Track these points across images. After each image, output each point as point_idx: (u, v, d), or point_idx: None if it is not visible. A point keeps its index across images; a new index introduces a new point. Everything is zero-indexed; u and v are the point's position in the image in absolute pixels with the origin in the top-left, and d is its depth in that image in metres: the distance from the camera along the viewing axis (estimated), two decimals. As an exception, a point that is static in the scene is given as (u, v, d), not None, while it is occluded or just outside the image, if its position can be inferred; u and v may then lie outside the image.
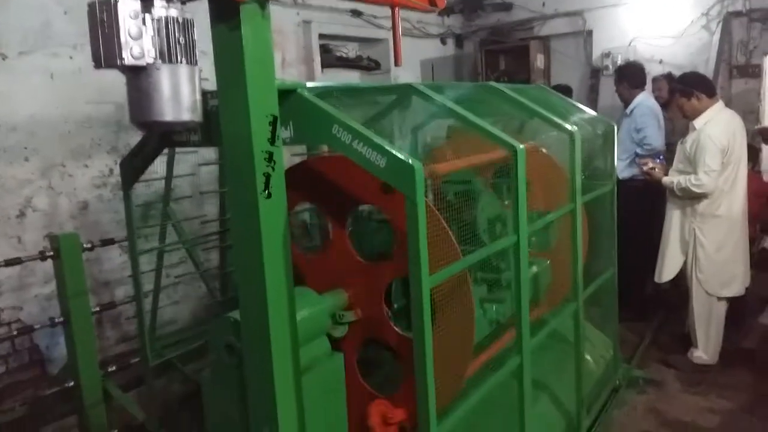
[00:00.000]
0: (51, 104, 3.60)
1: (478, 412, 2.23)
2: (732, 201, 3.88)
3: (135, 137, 3.81)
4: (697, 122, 3.89)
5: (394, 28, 2.04)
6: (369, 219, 2.76)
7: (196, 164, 3.91)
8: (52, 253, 2.80)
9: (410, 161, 1.74)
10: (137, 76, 1.51)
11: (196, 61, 1.55)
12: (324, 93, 2.07)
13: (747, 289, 4.09)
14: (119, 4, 1.43)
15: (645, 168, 4.17)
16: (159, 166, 3.73)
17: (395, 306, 2.40)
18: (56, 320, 2.88)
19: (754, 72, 6.05)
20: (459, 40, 7.68)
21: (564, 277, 3.11)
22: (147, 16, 1.48)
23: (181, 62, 1.51)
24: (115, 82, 3.79)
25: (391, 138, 3.01)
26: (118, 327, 3.99)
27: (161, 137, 2.18)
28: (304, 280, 2.45)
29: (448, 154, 2.82)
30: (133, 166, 2.35)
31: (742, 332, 4.32)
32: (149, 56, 1.49)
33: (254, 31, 1.64)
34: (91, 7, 1.46)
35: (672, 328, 4.62)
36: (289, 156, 3.61)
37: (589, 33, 6.78)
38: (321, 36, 5.63)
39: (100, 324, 3.84)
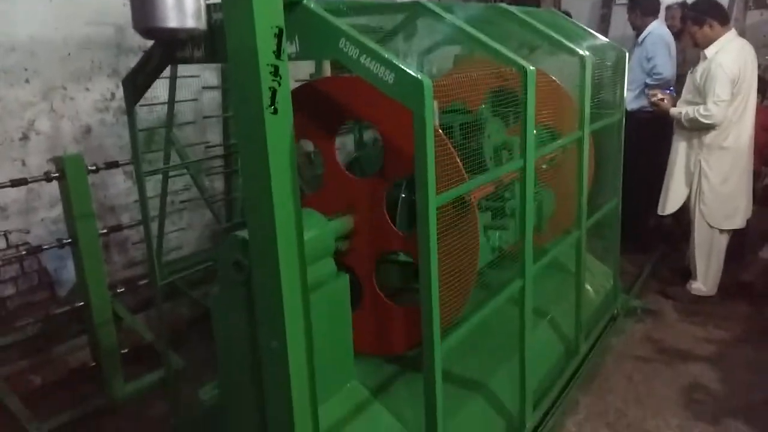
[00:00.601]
0: (50, 24, 3.51)
1: (479, 333, 2.28)
2: (740, 132, 3.84)
3: (136, 60, 3.74)
4: (708, 51, 3.81)
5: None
6: (372, 143, 2.75)
7: (198, 89, 3.86)
8: (57, 175, 2.80)
9: (419, 76, 1.70)
10: (140, -20, 1.46)
11: (200, -34, 1.49)
12: (331, 10, 2.01)
13: (748, 221, 4.10)
14: None
15: (653, 99, 4.10)
16: (161, 90, 3.69)
17: (400, 216, 2.42)
18: (64, 241, 2.91)
19: (770, 3, 5.88)
20: (467, -34, 7.40)
21: (567, 207, 3.12)
22: None
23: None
24: (113, 1, 3.74)
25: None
26: (125, 253, 4.04)
27: (164, 52, 2.13)
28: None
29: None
30: (136, 84, 2.31)
31: (742, 266, 4.36)
32: (151, -40, 1.44)
33: (259, -64, 1.57)
34: None
35: (672, 261, 4.67)
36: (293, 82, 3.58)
37: (603, -41, 6.55)
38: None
39: (107, 249, 3.88)
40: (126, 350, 3.25)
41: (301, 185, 3.36)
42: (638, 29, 4.78)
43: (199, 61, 2.09)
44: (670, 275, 4.46)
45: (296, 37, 1.87)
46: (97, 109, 3.82)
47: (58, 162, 2.82)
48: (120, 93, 3.82)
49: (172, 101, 3.65)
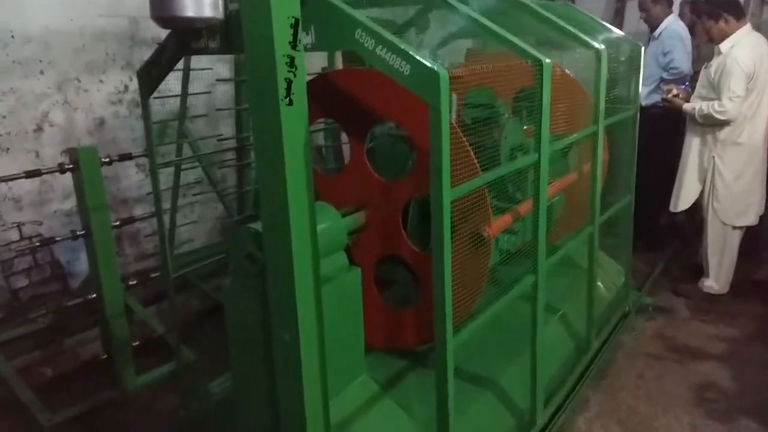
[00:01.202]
0: (64, 16, 3.52)
1: (490, 329, 2.27)
2: (754, 128, 3.81)
3: (150, 53, 3.75)
4: (723, 46, 3.77)
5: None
6: (388, 136, 2.74)
7: (211, 82, 3.86)
8: (71, 166, 2.81)
9: (435, 67, 1.69)
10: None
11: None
12: (346, 1, 2.00)
13: (761, 218, 4.06)
14: None
15: (669, 95, 4.06)
16: (174, 84, 3.70)
17: (411, 225, 2.42)
18: (78, 233, 2.92)
19: (788, -3, 5.79)
20: (480, -40, 7.36)
21: (580, 205, 3.10)
22: None
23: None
24: (127, -6, 3.74)
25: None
26: (137, 245, 4.06)
27: (179, 43, 2.13)
28: (323, 199, 2.48)
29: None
30: (151, 75, 2.31)
31: (755, 264, 4.33)
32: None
33: (276, -73, 1.56)
34: None
35: (684, 258, 4.63)
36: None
37: (617, -47, 6.48)
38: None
39: (120, 241, 3.90)
40: (137, 343, 3.26)
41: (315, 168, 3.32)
42: (653, 24, 4.74)
43: (214, 52, 2.08)
44: (682, 273, 4.43)
45: (312, 28, 1.86)
46: (111, 102, 3.83)
47: (72, 154, 2.82)
48: (133, 85, 3.83)
49: (184, 94, 3.66)
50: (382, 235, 2.41)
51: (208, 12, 1.46)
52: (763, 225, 4.20)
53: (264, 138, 1.72)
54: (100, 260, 2.92)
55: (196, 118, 3.98)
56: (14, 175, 2.75)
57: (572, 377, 3.03)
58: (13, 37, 3.32)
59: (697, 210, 4.16)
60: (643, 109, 4.15)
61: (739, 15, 3.81)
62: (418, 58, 1.71)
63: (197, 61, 3.63)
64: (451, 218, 1.86)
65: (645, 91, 4.55)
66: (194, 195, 3.95)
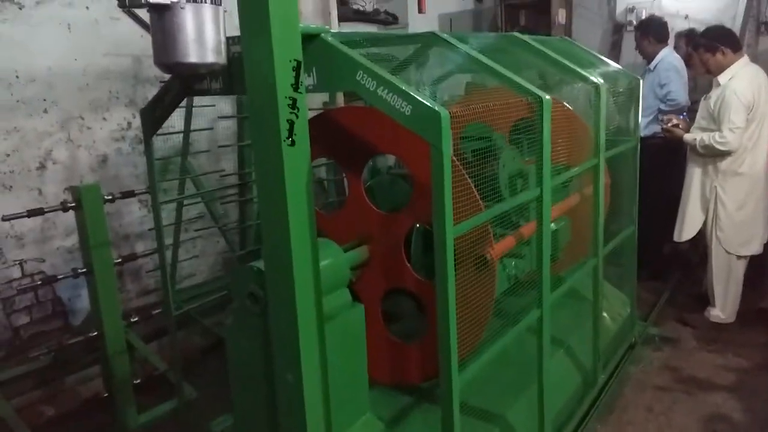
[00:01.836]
0: (68, 56, 3.57)
1: (496, 363, 2.25)
2: (755, 158, 3.82)
3: (152, 90, 3.80)
4: (722, 78, 3.80)
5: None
6: (386, 172, 2.76)
7: (213, 118, 3.89)
8: (74, 204, 2.82)
9: (437, 108, 1.70)
10: (162, 15, 1.48)
11: (220, 1, 1.51)
12: (348, 42, 2.03)
13: (766, 246, 4.05)
14: (142, -57, 1.40)
15: (668, 125, 4.09)
16: (176, 120, 3.73)
17: (415, 255, 2.41)
18: (79, 271, 2.92)
19: (782, 27, 5.87)
20: (478, -6, 7.50)
21: (584, 235, 3.09)
22: (170, -46, 1.44)
23: (205, 2, 1.47)
24: (132, 33, 3.82)
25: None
26: (139, 281, 4.04)
27: (182, 85, 2.16)
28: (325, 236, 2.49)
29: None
30: (155, 115, 2.34)
31: (760, 292, 4.30)
32: (173, -4, 1.46)
33: (278, -27, 1.59)
34: (114, -54, 1.43)
35: (689, 288, 4.60)
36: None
37: (613, -13, 6.59)
38: (338, -12, 5.52)
39: (121, 277, 3.88)
40: (139, 380, 3.23)
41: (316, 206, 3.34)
42: (649, 57, 4.81)
43: (216, 93, 2.11)
44: (687, 302, 4.40)
45: (314, 70, 1.89)
46: (114, 139, 3.86)
47: (75, 192, 2.83)
48: (136, 122, 3.86)
49: (187, 131, 3.69)
50: (385, 268, 2.41)
51: (211, 58, 1.48)
52: (766, 250, 4.18)
53: (266, 178, 1.73)
54: (101, 298, 2.91)
55: (199, 153, 4.01)
56: (17, 214, 2.75)
57: (580, 411, 2.99)
58: (17, 77, 3.36)
59: (701, 239, 4.15)
60: (643, 140, 4.17)
61: (736, 47, 3.86)
62: (419, 98, 1.73)
63: (200, 98, 3.67)
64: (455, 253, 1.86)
65: (644, 122, 4.57)
66: (195, 231, 3.95)
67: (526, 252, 2.78)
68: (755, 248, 3.96)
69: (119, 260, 3.13)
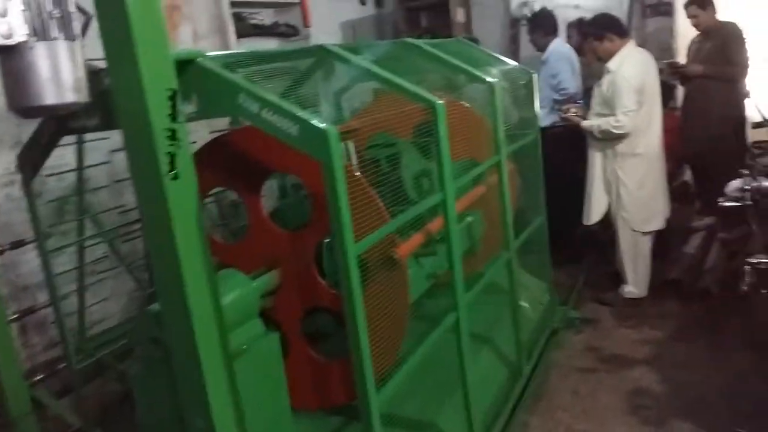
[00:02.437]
0: (-63, 99, 3.30)
1: (419, 370, 2.24)
2: (650, 139, 4.01)
3: (38, 128, 3.56)
4: (611, 64, 3.97)
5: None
6: (285, 190, 2.70)
7: (109, 151, 3.69)
8: (-45, 261, 2.60)
9: (323, 126, 1.67)
10: (10, 57, 1.36)
11: (74, 35, 1.41)
12: (235, 63, 1.96)
13: (668, 220, 4.25)
14: (-23, -21, 1.28)
15: (567, 114, 4.22)
16: (70, 157, 3.51)
17: (328, 270, 2.37)
18: (-31, 332, 2.69)
19: (666, 10, 6.21)
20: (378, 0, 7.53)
21: (497, 229, 3.14)
22: (12, -11, 1.33)
23: (57, 38, 1.37)
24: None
25: (315, 104, 2.93)
26: (45, 333, 3.77)
27: (56, 124, 2.02)
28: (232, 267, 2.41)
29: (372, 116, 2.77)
30: (32, 159, 2.18)
31: (668, 264, 4.51)
32: (20, 34, 1.35)
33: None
34: (-55, -16, 1.31)
35: (604, 267, 4.77)
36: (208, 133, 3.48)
37: (506, -18, 6.79)
38: (233, 3, 5.36)
39: (25, 331, 3.62)
40: (53, 439, 3.02)
41: (225, 236, 3.26)
42: (541, 49, 4.96)
43: (94, 129, 1.99)
44: (603, 282, 4.55)
45: (194, 96, 1.80)
46: (3, 184, 3.59)
47: (-44, 248, 2.61)
48: (23, 163, 3.61)
49: (80, 167, 3.48)
50: (300, 289, 2.34)
51: (70, 97, 1.38)
52: (670, 225, 4.40)
53: (151, 216, 1.64)
54: (-1, 358, 2.69)
55: (98, 189, 3.80)
56: None
57: (508, 404, 3.02)
58: None
59: (608, 219, 4.32)
60: (544, 131, 4.30)
61: (623, 33, 4.04)
62: (305, 118, 1.69)
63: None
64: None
65: (543, 113, 4.73)
66: (99, 273, 3.73)
67: (440, 250, 2.78)
68: (658, 224, 4.15)
69: (16, 316, 2.92)
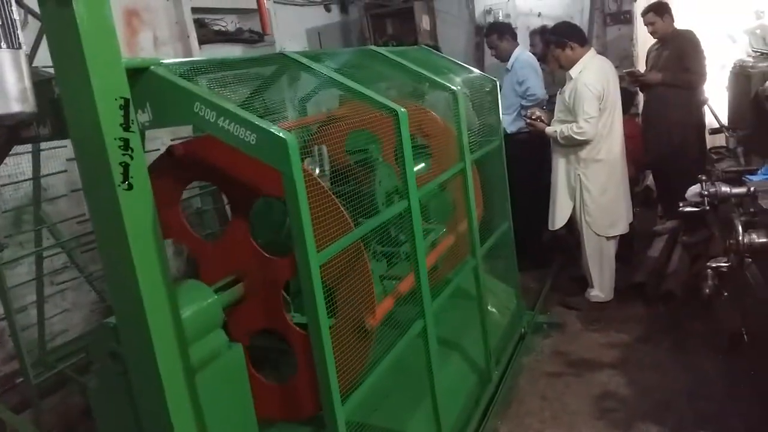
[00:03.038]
0: None
1: (388, 378, 2.22)
2: (611, 145, 4.06)
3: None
4: (573, 71, 4.02)
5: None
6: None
7: (67, 159, 3.59)
8: None
9: (281, 134, 1.64)
10: (-51, 66, 1.31)
11: (19, 44, 1.36)
12: (192, 70, 1.92)
13: (631, 225, 4.32)
14: None
15: (532, 118, 4.26)
16: (27, 165, 3.42)
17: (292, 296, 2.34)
18: None
19: (626, 18, 6.35)
20: (344, 6, 7.52)
21: (464, 236, 3.14)
22: (-49, -4, 1.28)
23: (0, 47, 1.32)
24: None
25: (276, 112, 2.90)
26: (3, 346, 3.66)
27: (7, 133, 1.95)
28: (200, 267, 2.37)
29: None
30: (-19, 169, 2.11)
31: (633, 267, 4.58)
32: (-40, 43, 1.30)
33: (89, 5, 1.47)
34: None
35: (570, 271, 4.82)
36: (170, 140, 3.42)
37: (471, -9, 6.86)
38: (194, 9, 5.28)
39: (-19, 345, 3.50)
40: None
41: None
42: (505, 58, 5.00)
43: (47, 138, 1.93)
44: (569, 286, 4.59)
45: (148, 105, 1.77)
46: (-45, 194, 3.47)
47: None
48: (-21, 175, 3.50)
49: (37, 177, 3.38)
50: (260, 306, 2.30)
51: (15, 107, 1.33)
52: (634, 229, 4.47)
53: (104, 229, 1.59)
54: (-50, 376, 2.60)
55: (56, 199, 3.70)
56: None
57: (478, 411, 3.03)
58: None
59: (575, 224, 4.37)
60: (510, 137, 4.34)
61: (583, 41, 4.10)
62: (263, 126, 1.66)
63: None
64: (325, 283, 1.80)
65: (508, 120, 4.78)
66: (58, 284, 3.63)
67: (406, 271, 2.76)
68: (622, 228, 4.21)
69: (-32, 330, 2.81)
